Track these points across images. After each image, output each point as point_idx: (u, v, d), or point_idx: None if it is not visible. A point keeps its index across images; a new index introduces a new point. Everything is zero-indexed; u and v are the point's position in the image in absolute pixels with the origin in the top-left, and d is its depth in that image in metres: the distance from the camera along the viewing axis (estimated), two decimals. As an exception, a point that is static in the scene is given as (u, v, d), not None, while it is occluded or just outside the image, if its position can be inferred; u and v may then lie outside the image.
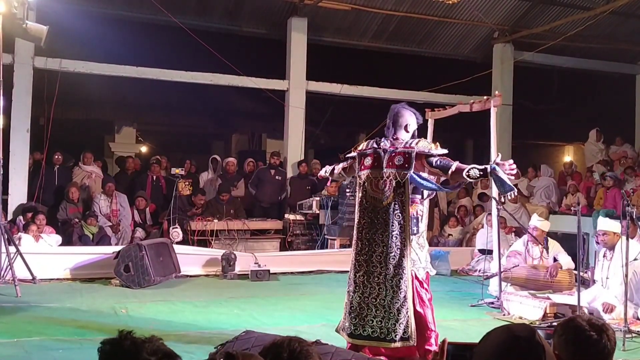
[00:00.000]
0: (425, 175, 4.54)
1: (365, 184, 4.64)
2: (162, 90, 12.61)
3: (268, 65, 12.04)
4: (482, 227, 10.33)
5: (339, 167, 5.13)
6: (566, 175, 12.52)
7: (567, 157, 16.86)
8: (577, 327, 2.11)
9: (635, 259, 6.11)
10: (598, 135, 12.70)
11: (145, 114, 14.37)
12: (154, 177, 10.81)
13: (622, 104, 14.09)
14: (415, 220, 4.55)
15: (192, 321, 5.98)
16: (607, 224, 6.48)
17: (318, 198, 10.42)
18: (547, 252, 7.30)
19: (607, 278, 6.36)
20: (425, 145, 4.56)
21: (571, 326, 2.12)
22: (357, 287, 4.57)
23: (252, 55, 12.31)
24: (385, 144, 4.65)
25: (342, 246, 9.66)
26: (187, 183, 10.37)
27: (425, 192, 5.01)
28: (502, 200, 4.37)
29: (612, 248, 6.35)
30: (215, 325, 5.79)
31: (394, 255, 4.46)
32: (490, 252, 8.60)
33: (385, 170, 4.55)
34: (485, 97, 8.18)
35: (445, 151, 4.54)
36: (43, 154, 9.99)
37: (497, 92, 8.42)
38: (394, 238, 4.47)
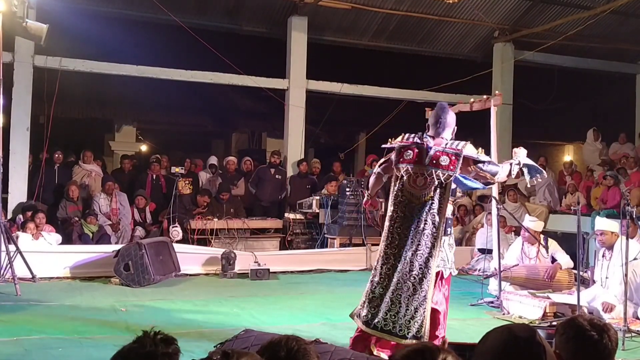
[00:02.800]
0: (469, 178, 4.57)
1: (404, 178, 4.56)
2: (162, 89, 12.63)
3: (268, 64, 12.03)
4: (482, 226, 10.32)
5: (375, 171, 4.95)
6: (566, 174, 12.51)
7: (567, 156, 16.84)
8: (578, 327, 2.10)
9: (634, 259, 6.11)
10: (595, 135, 12.68)
11: (145, 112, 14.37)
12: (154, 176, 10.82)
13: (622, 104, 14.08)
14: (449, 221, 4.54)
15: (192, 320, 5.98)
16: (605, 224, 6.48)
17: (318, 197, 10.42)
18: (547, 252, 7.30)
19: (606, 278, 6.36)
20: (472, 150, 4.54)
21: (572, 326, 2.12)
22: (381, 279, 4.51)
23: (252, 54, 12.30)
24: (429, 140, 4.58)
25: (342, 245, 9.65)
26: (187, 182, 10.38)
27: (458, 193, 5.01)
28: (534, 182, 4.77)
29: (610, 248, 6.35)
30: (215, 324, 5.79)
31: (422, 254, 4.40)
32: (490, 251, 8.60)
33: (428, 167, 4.48)
34: (485, 97, 8.16)
35: (489, 158, 4.56)
36: (43, 152, 9.98)
37: (497, 92, 8.42)
38: (425, 237, 4.41)
